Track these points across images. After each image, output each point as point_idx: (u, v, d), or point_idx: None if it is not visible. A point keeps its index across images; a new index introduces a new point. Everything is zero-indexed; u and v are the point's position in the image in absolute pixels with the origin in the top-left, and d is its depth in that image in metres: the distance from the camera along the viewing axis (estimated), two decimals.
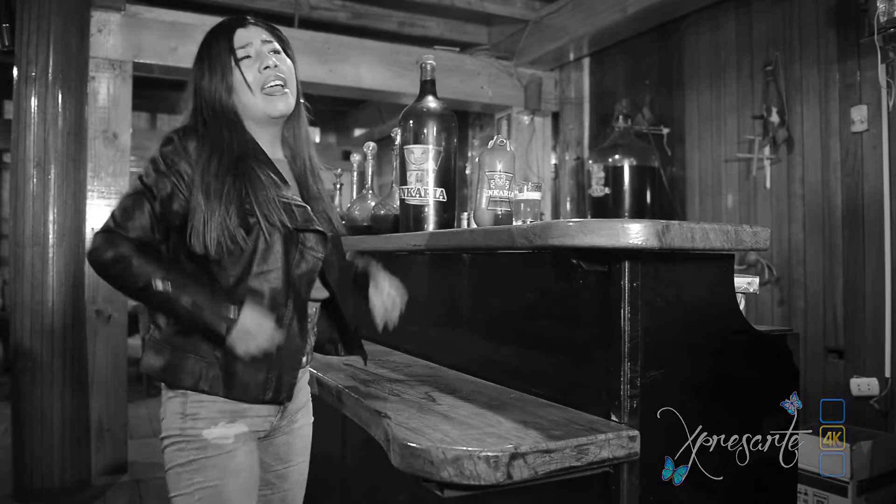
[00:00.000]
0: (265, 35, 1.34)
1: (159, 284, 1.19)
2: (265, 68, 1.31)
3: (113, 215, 1.24)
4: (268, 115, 1.32)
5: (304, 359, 1.38)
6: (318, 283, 1.36)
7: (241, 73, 1.30)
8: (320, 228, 1.33)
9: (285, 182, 1.32)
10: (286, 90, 1.33)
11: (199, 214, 1.21)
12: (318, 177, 1.45)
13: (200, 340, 1.25)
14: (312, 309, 1.38)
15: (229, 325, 1.19)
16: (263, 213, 1.24)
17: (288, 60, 1.36)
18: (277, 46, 1.35)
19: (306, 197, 1.38)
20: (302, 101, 1.43)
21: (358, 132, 7.52)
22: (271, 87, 1.31)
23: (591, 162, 3.87)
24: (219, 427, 1.26)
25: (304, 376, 1.45)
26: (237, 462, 1.27)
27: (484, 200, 1.62)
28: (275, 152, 1.38)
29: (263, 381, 1.26)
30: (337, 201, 2.41)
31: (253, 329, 1.20)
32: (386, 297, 1.42)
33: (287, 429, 1.42)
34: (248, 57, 1.31)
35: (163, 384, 1.30)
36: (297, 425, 1.45)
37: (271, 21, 1.41)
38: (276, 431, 1.40)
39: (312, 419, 1.52)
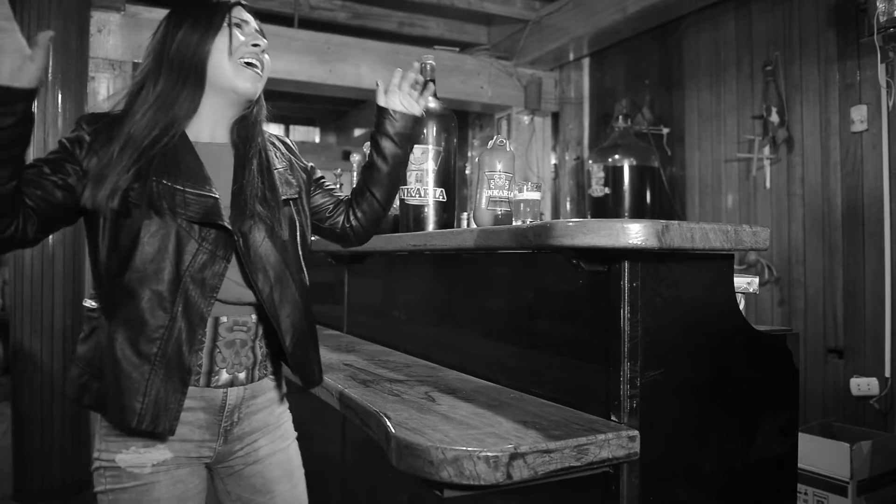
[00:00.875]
0: (258, 27, 1.28)
1: None
2: (253, 45, 1.23)
3: None
4: (233, 87, 1.22)
5: (215, 378, 1.19)
6: (239, 280, 1.19)
7: (229, 36, 1.21)
8: (225, 224, 1.15)
9: (200, 169, 1.17)
10: (260, 76, 1.25)
11: (105, 157, 1.11)
12: (269, 175, 1.28)
13: (94, 352, 1.13)
14: (251, 316, 1.22)
15: None
16: (151, 197, 1.11)
17: (269, 60, 1.28)
18: (266, 45, 1.27)
19: (244, 191, 1.21)
20: (265, 114, 1.33)
21: (358, 132, 7.51)
22: (249, 62, 1.22)
23: (591, 162, 3.87)
24: (131, 453, 1.14)
25: (259, 396, 1.28)
26: (155, 496, 1.14)
27: (484, 200, 1.62)
28: (215, 135, 1.25)
29: (138, 408, 1.08)
30: None
31: None
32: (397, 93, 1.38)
33: (250, 457, 1.28)
34: (240, 29, 1.23)
35: None
36: (264, 452, 1.29)
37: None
38: (234, 459, 1.27)
39: (291, 442, 1.36)
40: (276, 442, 1.32)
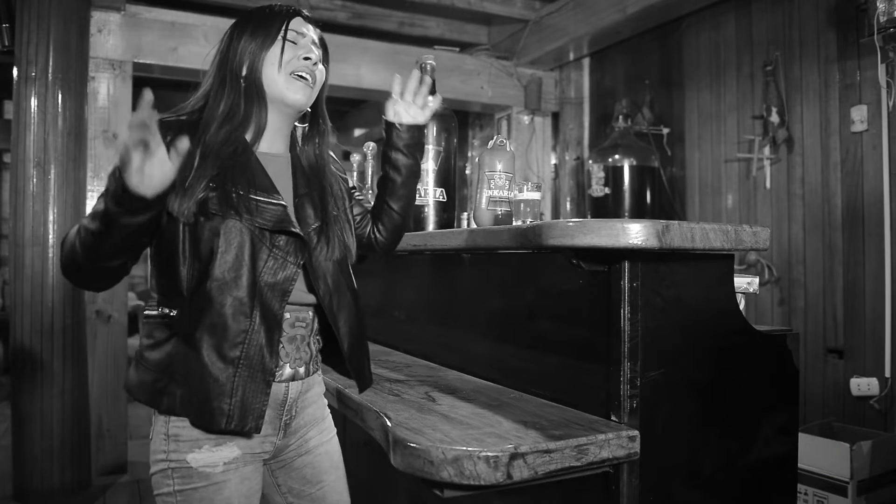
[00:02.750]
0: (316, 37, 1.30)
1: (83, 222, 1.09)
2: (304, 58, 1.25)
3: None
4: (282, 98, 1.24)
5: (279, 373, 1.24)
6: (301, 286, 1.24)
7: (281, 50, 1.24)
8: (296, 230, 1.20)
9: (267, 179, 1.22)
10: (311, 87, 1.27)
11: (189, 170, 1.13)
12: (328, 189, 1.33)
13: (172, 358, 1.15)
14: (309, 313, 1.28)
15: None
16: (231, 205, 1.14)
17: (324, 71, 1.31)
18: (321, 55, 1.30)
19: (304, 203, 1.28)
20: (330, 125, 1.38)
21: (358, 132, 7.52)
22: (299, 74, 1.25)
23: (591, 162, 3.87)
24: (203, 452, 1.16)
25: (311, 390, 1.34)
26: (226, 494, 1.17)
27: (484, 200, 1.62)
28: (273, 146, 1.29)
29: (226, 409, 1.12)
30: None
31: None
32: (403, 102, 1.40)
33: (301, 449, 1.32)
34: (294, 43, 1.26)
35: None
36: (314, 443, 1.34)
37: None
38: (288, 452, 1.31)
39: (334, 434, 1.41)
40: (323, 433, 1.37)
